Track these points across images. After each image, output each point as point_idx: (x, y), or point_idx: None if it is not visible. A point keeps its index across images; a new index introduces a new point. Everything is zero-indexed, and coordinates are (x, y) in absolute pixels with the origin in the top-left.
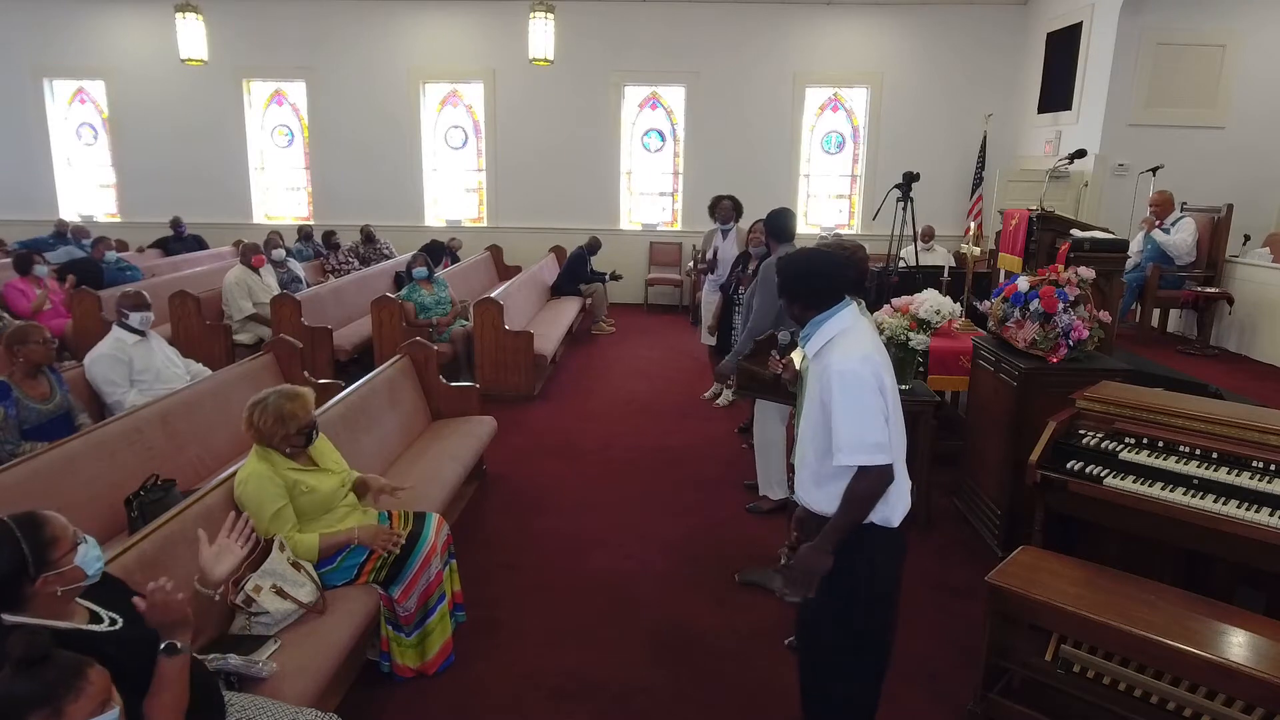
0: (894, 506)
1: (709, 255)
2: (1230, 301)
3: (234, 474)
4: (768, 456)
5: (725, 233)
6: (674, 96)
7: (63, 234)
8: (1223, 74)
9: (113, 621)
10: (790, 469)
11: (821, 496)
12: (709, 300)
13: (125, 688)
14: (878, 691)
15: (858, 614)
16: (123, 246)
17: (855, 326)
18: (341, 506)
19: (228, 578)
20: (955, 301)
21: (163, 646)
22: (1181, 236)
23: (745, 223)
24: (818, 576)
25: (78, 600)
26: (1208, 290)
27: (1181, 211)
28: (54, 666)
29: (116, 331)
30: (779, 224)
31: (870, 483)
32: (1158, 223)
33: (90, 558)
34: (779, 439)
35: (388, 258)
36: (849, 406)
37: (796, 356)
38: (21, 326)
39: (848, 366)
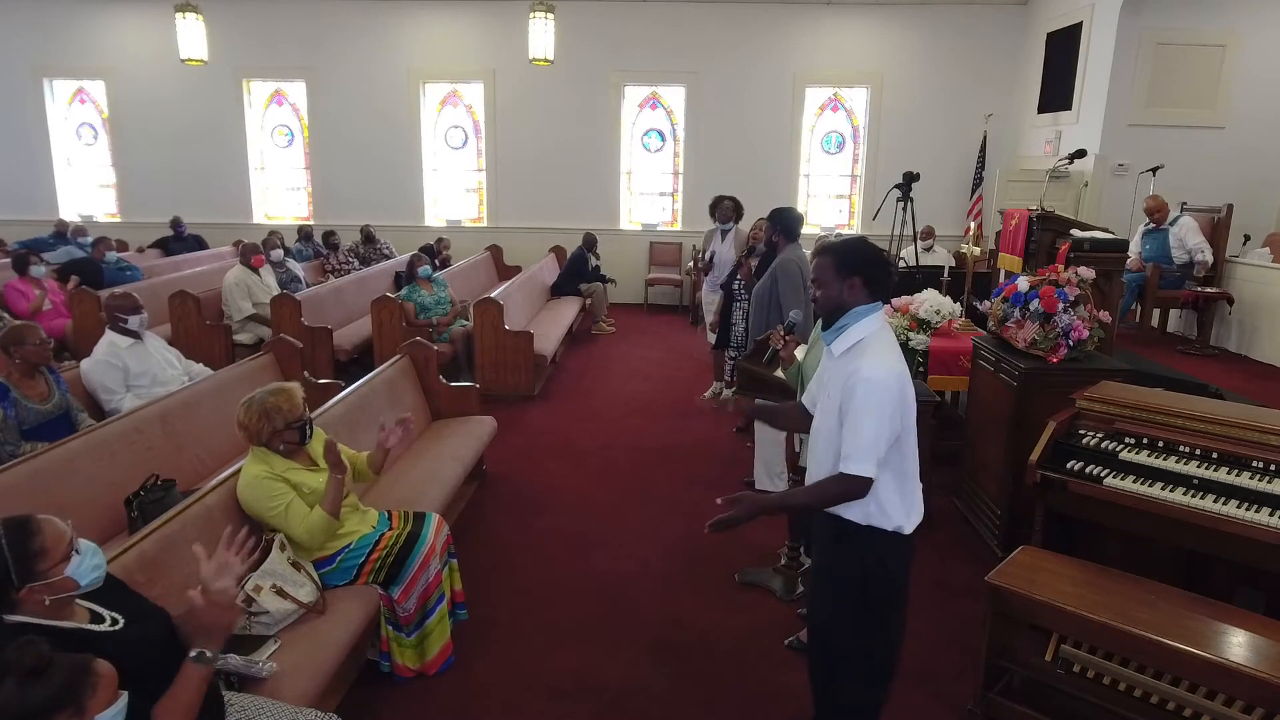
0: (909, 515)
1: (707, 256)
2: (1230, 301)
3: (235, 474)
4: (765, 450)
5: (724, 234)
6: (674, 96)
7: (63, 234)
8: (1223, 74)
9: (114, 621)
10: (788, 463)
11: None
12: (709, 299)
13: (126, 687)
14: (886, 693)
15: (870, 618)
16: (123, 246)
17: (883, 332)
18: (343, 506)
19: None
20: (955, 301)
21: (194, 655)
22: (1197, 242)
23: (746, 223)
24: (742, 522)
25: (78, 601)
26: (1208, 290)
27: (1181, 211)
28: (62, 667)
29: (110, 336)
30: (787, 222)
31: (849, 488)
32: (1157, 225)
33: (85, 568)
34: (778, 434)
35: (388, 258)
36: (871, 416)
37: (800, 351)
38: (17, 327)
39: (878, 374)
